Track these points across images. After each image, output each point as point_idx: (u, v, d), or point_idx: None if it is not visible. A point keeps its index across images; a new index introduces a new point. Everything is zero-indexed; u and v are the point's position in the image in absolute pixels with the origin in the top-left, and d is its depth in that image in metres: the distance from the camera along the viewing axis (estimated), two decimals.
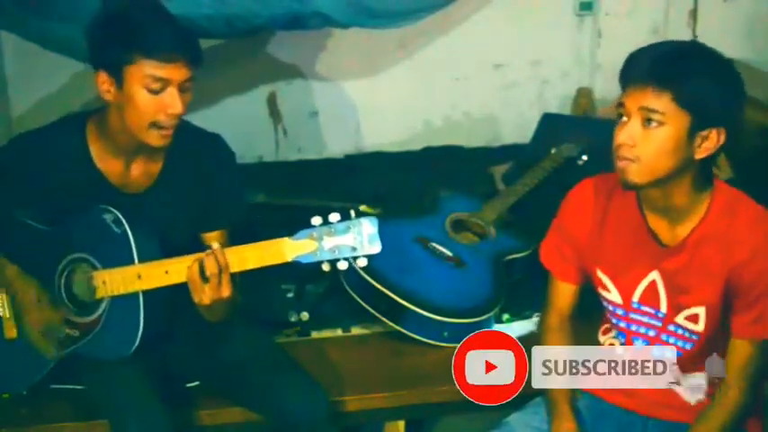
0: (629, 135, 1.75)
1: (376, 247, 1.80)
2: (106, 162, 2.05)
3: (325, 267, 1.83)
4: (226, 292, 1.91)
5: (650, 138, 1.74)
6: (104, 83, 1.95)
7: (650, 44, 1.80)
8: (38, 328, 2.08)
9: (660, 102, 1.72)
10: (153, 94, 1.92)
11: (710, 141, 1.75)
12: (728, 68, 1.76)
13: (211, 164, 2.12)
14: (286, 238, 1.84)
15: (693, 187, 1.81)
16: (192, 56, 1.95)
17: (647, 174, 1.76)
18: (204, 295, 1.91)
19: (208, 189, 2.10)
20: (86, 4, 2.78)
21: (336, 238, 1.80)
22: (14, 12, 2.79)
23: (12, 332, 2.13)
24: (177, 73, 1.92)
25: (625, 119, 1.77)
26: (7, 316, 2.14)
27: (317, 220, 1.81)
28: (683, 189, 1.81)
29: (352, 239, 1.79)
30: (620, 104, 1.78)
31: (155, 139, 1.97)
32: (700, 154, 1.76)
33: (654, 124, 1.73)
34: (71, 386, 2.16)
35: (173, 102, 1.93)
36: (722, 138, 1.75)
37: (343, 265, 1.82)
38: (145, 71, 1.90)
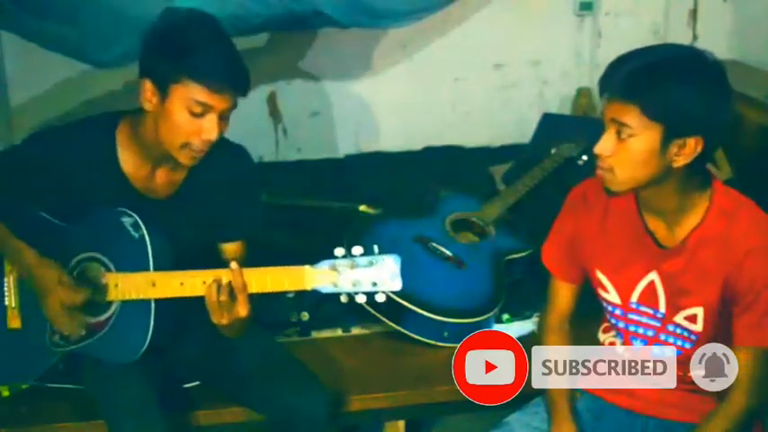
0: (603, 146, 1.76)
1: (397, 284, 1.81)
2: (132, 166, 2.03)
3: (344, 299, 1.84)
4: (243, 311, 1.90)
5: (623, 149, 1.74)
6: (147, 91, 1.91)
7: (625, 54, 1.76)
8: (61, 307, 2.00)
9: (628, 115, 1.71)
10: (193, 117, 1.89)
11: (687, 150, 1.72)
12: (705, 77, 1.71)
13: (233, 175, 2.09)
14: (307, 267, 1.84)
15: (682, 191, 1.80)
16: (241, 88, 1.93)
17: (624, 183, 1.77)
18: (222, 316, 1.91)
19: (228, 200, 2.09)
20: (85, 6, 2.79)
21: (358, 271, 1.81)
22: (14, 12, 2.79)
23: (15, 322, 2.12)
24: (222, 102, 1.90)
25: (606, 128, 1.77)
26: (12, 305, 2.13)
27: (339, 252, 1.81)
28: (670, 193, 1.80)
29: (374, 275, 1.80)
30: (602, 114, 1.79)
31: (184, 158, 1.95)
32: (677, 162, 1.73)
33: (625, 136, 1.72)
34: (71, 386, 2.15)
35: (210, 129, 1.90)
36: (699, 146, 1.72)
37: (361, 299, 1.82)
38: (190, 94, 1.87)
